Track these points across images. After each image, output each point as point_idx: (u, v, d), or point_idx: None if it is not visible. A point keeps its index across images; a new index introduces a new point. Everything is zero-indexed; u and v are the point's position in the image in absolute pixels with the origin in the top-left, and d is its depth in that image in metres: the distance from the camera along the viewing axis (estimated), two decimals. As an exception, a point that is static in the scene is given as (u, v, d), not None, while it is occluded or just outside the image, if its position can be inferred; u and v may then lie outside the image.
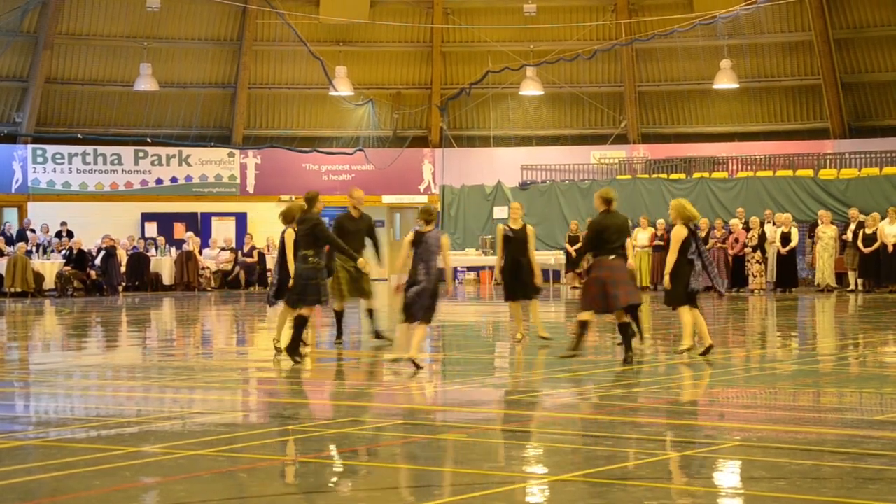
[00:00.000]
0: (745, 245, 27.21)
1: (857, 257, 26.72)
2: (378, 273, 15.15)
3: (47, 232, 31.53)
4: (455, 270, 30.08)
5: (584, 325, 12.65)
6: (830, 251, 26.95)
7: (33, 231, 31.73)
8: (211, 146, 34.76)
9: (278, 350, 13.50)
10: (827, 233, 26.98)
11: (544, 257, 31.49)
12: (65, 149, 34.01)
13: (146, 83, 34.02)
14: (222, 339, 18.14)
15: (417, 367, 12.05)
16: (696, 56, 35.02)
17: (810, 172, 30.78)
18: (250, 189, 35.38)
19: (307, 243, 13.23)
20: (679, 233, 12.93)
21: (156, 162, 34.71)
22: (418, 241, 12.20)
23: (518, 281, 14.67)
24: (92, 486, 6.77)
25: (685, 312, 12.96)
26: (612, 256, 12.53)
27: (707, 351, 12.89)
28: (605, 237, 12.58)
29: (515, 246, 14.64)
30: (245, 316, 22.73)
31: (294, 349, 12.99)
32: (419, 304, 12.13)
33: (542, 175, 34.82)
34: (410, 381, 11.56)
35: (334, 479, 7.13)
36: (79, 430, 8.88)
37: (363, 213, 15.17)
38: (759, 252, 27.05)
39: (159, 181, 34.73)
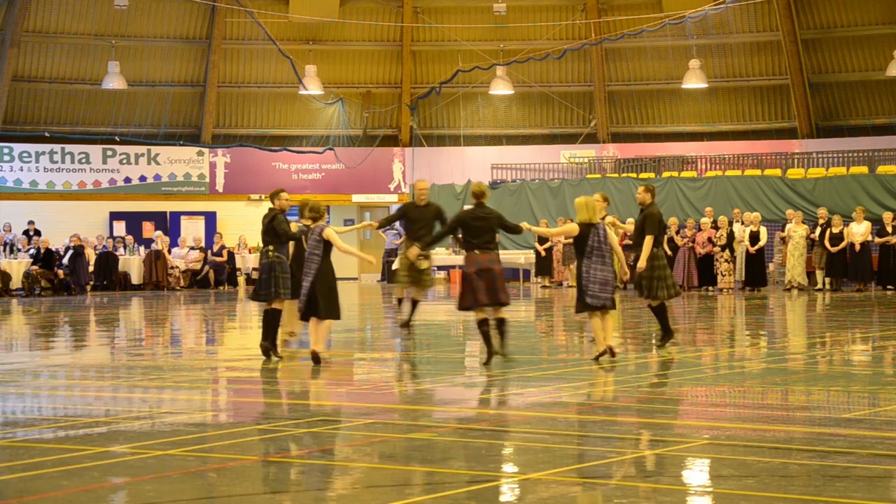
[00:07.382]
0: (713, 244, 27.31)
1: (825, 256, 26.92)
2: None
3: (10, 231, 31.27)
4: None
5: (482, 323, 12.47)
6: (801, 250, 27.11)
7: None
8: (180, 145, 34.62)
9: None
10: (798, 232, 27.14)
11: (514, 256, 31.55)
12: (32, 147, 33.80)
13: (114, 81, 33.84)
14: (191, 338, 18.06)
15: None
16: (665, 56, 35.17)
17: (778, 172, 30.97)
18: (220, 188, 35.27)
19: (269, 237, 13.34)
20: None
21: (124, 161, 34.55)
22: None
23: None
24: (60, 486, 6.73)
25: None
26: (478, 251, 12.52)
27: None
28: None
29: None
30: (214, 315, 22.64)
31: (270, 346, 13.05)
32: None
33: (512, 174, 34.88)
34: (381, 380, 11.52)
35: (304, 479, 7.12)
36: (46, 430, 8.83)
37: (430, 202, 15.46)
38: (727, 251, 27.16)
39: (128, 180, 34.56)
